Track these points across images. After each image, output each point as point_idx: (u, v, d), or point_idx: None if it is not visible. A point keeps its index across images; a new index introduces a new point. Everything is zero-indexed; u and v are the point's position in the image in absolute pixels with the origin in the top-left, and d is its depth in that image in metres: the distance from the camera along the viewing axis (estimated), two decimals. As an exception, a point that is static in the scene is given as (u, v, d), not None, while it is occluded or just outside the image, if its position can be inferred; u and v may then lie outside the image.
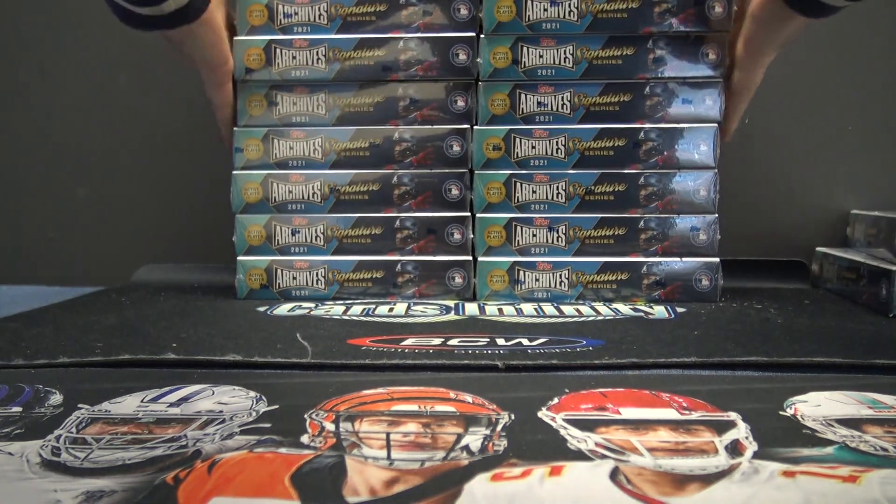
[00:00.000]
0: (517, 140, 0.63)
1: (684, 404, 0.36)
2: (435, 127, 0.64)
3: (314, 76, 0.64)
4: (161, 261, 0.78)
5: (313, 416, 0.34)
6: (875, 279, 0.59)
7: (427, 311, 0.59)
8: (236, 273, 0.65)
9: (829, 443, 0.31)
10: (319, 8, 0.63)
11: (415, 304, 0.62)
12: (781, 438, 0.31)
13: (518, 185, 0.63)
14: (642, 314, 0.57)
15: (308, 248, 0.64)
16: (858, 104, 0.74)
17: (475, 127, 0.63)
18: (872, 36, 0.74)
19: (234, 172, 0.65)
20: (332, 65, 0.64)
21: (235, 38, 0.64)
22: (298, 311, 0.59)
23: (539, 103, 0.63)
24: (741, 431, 0.32)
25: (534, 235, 0.63)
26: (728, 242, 0.65)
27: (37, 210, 0.82)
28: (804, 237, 0.75)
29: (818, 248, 0.72)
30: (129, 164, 0.81)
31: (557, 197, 0.63)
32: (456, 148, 0.63)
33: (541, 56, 0.63)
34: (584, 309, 0.59)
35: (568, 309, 0.60)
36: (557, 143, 0.63)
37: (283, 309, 0.60)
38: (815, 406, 0.36)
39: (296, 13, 0.64)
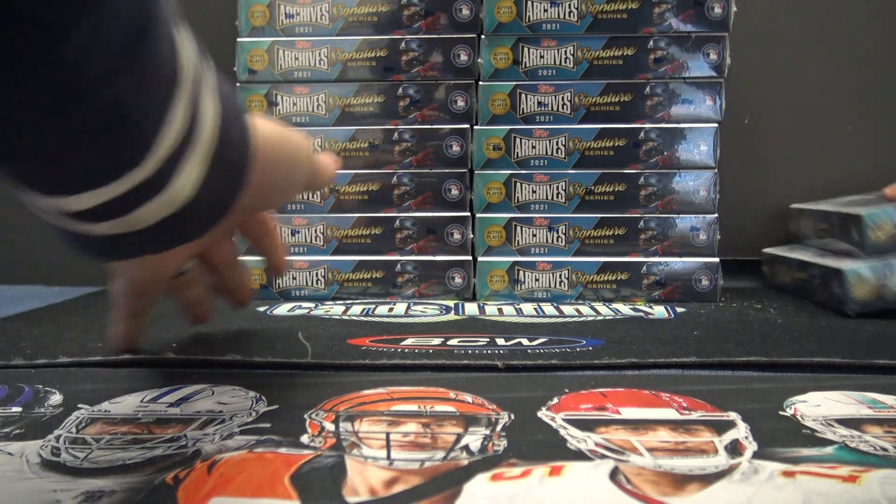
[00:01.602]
0: (517, 140, 0.63)
1: (684, 404, 0.36)
2: (435, 127, 0.64)
3: (317, 77, 0.64)
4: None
5: (313, 416, 0.34)
6: (827, 278, 0.59)
7: (427, 311, 0.59)
8: (236, 273, 0.65)
9: (829, 443, 0.31)
10: (321, 9, 0.63)
11: (414, 304, 0.62)
12: (781, 438, 0.31)
13: (518, 185, 0.63)
14: (642, 314, 0.57)
15: (308, 248, 0.64)
16: (858, 104, 0.74)
17: (475, 127, 0.63)
18: (872, 36, 0.74)
19: (235, 172, 0.64)
20: (335, 65, 0.64)
21: (238, 39, 0.64)
22: (298, 311, 0.59)
23: (539, 103, 0.63)
24: (741, 431, 0.32)
25: (534, 235, 0.63)
26: (728, 242, 0.65)
27: (37, 210, 0.82)
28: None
29: (764, 250, 0.71)
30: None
31: (557, 197, 0.63)
32: (456, 148, 0.63)
33: (541, 56, 0.63)
34: (584, 309, 0.59)
35: (568, 309, 0.59)
36: (557, 143, 0.63)
37: (283, 309, 0.60)
38: (815, 406, 0.36)
39: (297, 14, 0.64)
